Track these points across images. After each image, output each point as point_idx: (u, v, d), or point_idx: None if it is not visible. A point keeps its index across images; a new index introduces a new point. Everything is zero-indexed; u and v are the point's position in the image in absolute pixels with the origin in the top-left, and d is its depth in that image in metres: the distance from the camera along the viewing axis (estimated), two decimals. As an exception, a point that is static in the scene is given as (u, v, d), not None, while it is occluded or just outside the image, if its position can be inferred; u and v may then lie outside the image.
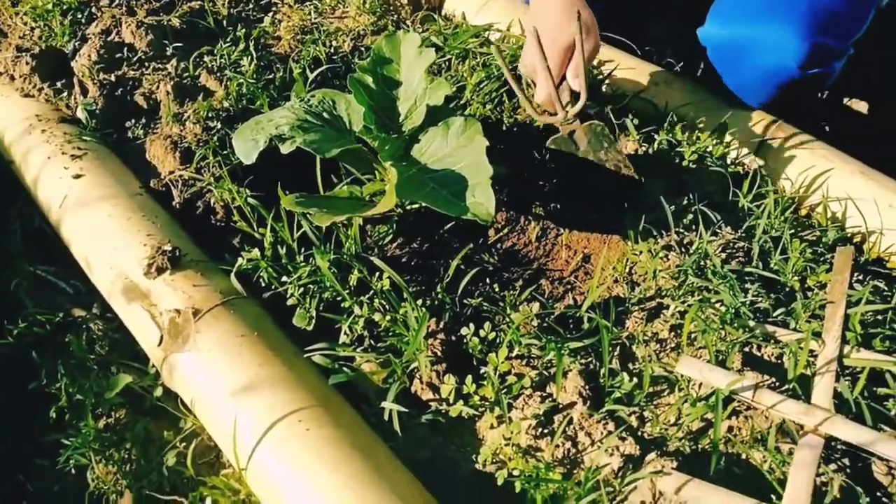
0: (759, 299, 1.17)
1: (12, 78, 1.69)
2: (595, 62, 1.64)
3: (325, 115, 1.26)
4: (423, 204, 1.12)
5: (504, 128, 1.54)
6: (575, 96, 1.33)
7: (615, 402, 1.08)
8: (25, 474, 1.25)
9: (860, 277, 1.26)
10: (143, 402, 1.23)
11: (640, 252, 1.27)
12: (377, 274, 1.21)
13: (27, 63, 1.67)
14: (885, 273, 1.28)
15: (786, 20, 1.33)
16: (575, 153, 1.31)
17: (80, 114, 1.58)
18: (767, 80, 1.42)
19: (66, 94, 1.66)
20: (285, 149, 1.14)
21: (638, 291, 1.23)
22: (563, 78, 1.35)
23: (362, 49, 1.77)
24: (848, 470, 0.98)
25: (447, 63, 1.68)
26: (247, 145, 1.19)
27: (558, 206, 1.38)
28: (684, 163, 1.43)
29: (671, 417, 1.07)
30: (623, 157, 1.30)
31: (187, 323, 1.11)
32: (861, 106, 1.95)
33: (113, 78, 1.63)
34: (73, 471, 1.20)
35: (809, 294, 1.20)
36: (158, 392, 1.20)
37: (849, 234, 1.36)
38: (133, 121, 1.57)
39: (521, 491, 0.99)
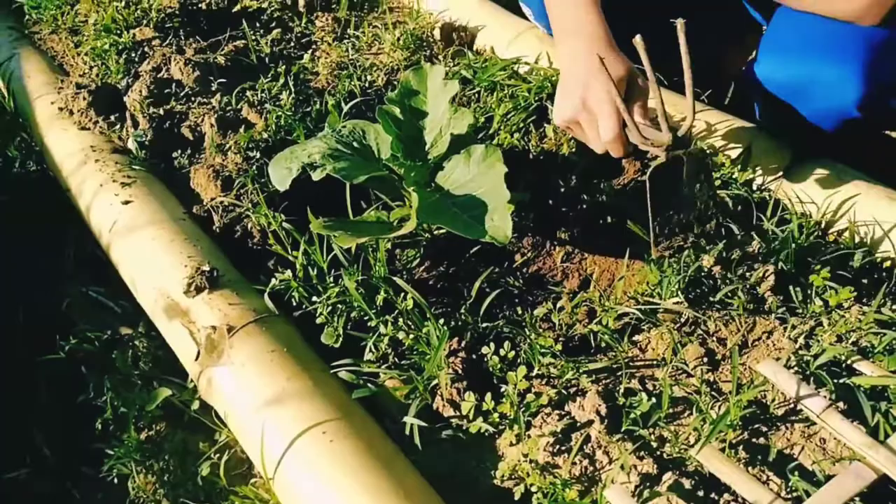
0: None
1: (71, 112, 1.82)
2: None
3: (354, 144, 1.33)
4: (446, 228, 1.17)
5: (531, 156, 1.58)
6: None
7: (633, 422, 1.09)
8: (73, 481, 1.32)
9: (886, 301, 1.25)
10: (182, 416, 1.30)
11: (663, 274, 1.29)
12: (402, 294, 1.26)
13: (84, 98, 1.80)
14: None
15: (844, 58, 1.28)
16: (677, 185, 1.13)
17: (131, 145, 1.70)
18: (826, 118, 1.38)
19: (118, 126, 1.78)
20: (316, 176, 1.21)
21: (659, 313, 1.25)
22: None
23: (395, 82, 1.84)
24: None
25: (476, 95, 1.74)
26: (281, 173, 1.26)
27: (582, 231, 1.42)
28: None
29: (691, 438, 1.08)
30: (715, 194, 1.14)
31: (222, 338, 1.18)
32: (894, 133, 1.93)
33: (162, 111, 1.73)
34: (115, 480, 1.27)
35: (831, 314, 1.20)
36: (196, 405, 1.27)
37: (878, 260, 1.35)
38: (179, 151, 1.67)
39: (537, 506, 1.01)
